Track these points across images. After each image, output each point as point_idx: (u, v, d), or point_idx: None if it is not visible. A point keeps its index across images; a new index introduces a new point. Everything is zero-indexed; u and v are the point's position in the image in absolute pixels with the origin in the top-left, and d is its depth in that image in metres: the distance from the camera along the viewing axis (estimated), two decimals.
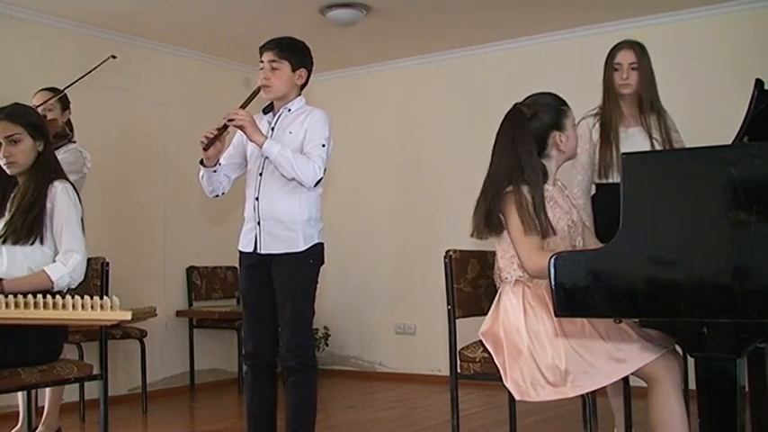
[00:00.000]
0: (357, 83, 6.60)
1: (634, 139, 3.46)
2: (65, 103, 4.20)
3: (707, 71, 5.15)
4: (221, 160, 3.24)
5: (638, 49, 3.47)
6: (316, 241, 3.17)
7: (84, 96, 5.11)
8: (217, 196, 3.33)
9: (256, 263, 3.18)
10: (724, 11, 5.12)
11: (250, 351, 3.23)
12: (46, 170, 3.04)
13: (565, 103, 2.75)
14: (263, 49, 3.19)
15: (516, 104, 2.73)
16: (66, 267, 2.94)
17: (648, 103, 3.49)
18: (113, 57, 4.41)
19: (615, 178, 3.40)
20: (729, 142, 2.66)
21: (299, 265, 3.13)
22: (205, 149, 3.07)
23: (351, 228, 6.45)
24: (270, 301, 3.18)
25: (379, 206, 6.41)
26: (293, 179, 3.05)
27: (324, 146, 3.10)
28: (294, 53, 3.18)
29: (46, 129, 3.13)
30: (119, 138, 5.46)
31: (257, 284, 3.19)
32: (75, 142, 4.17)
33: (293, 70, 3.17)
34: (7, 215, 3.00)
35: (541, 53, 5.72)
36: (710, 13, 5.17)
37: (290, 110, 3.21)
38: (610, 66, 3.48)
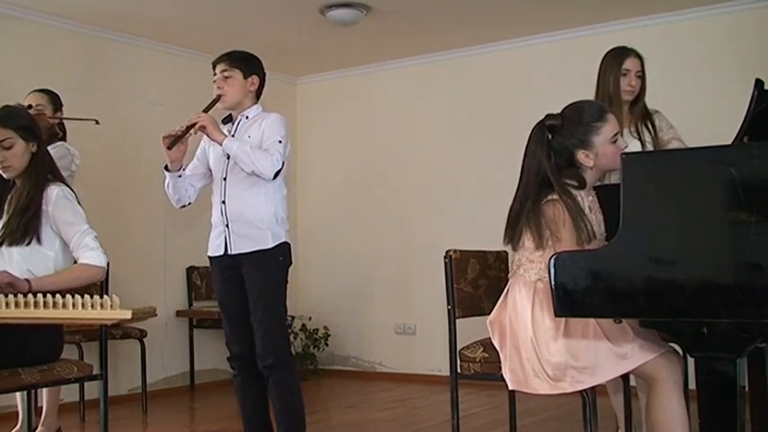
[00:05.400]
0: (357, 83, 6.60)
1: (628, 141, 3.50)
2: (57, 104, 4.22)
3: (707, 71, 5.16)
4: (186, 171, 3.31)
5: (641, 59, 3.57)
6: (283, 239, 3.25)
7: (82, 96, 5.11)
8: (183, 206, 3.42)
9: (228, 265, 3.25)
10: (724, 11, 5.12)
11: (235, 353, 3.28)
12: (41, 170, 3.03)
13: (600, 118, 2.57)
14: (215, 63, 3.36)
15: (546, 116, 2.62)
16: (95, 251, 2.94)
17: (639, 108, 3.57)
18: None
19: (613, 180, 3.42)
20: (729, 142, 2.65)
21: (268, 264, 3.20)
22: (169, 148, 3.15)
23: (350, 227, 6.44)
24: (245, 301, 3.22)
25: (378, 206, 6.41)
26: (252, 172, 3.11)
27: (281, 142, 3.17)
28: (244, 62, 3.33)
29: (38, 129, 3.12)
30: (117, 138, 5.45)
31: (231, 286, 3.26)
32: (65, 141, 4.17)
33: (245, 77, 3.30)
34: (5, 217, 2.99)
35: (541, 53, 5.71)
36: (710, 13, 5.17)
37: (247, 117, 3.32)
38: (616, 70, 3.51)
